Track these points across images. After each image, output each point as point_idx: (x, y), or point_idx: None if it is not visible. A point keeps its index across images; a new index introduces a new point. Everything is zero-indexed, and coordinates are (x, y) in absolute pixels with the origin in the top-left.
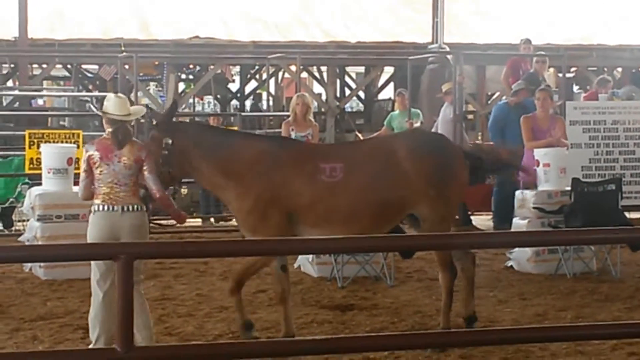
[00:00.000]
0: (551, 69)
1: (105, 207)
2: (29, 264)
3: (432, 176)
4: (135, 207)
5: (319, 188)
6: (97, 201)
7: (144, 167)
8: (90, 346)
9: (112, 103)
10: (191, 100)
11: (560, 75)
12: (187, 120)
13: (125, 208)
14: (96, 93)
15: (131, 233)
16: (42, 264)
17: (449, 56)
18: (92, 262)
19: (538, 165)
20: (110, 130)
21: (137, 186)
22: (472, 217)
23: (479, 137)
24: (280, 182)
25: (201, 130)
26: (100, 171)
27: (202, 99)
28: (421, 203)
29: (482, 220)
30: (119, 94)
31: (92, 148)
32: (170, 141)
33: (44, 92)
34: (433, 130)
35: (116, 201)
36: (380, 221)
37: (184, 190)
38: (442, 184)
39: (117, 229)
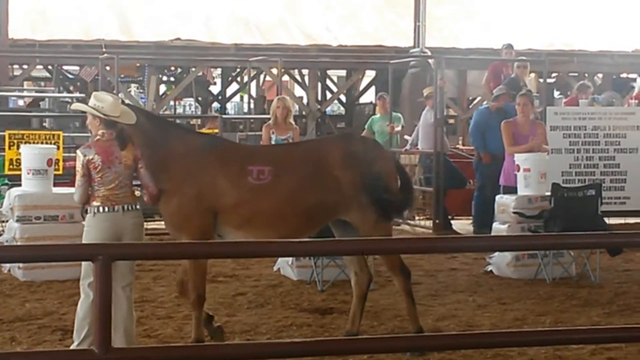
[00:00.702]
0: (532, 74)
1: (107, 209)
2: (8, 265)
3: (362, 182)
4: (135, 206)
5: (244, 190)
6: (95, 203)
7: (139, 165)
8: (73, 346)
9: (108, 104)
10: (172, 103)
11: (541, 80)
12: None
13: (126, 208)
14: (77, 94)
15: (134, 232)
16: (20, 265)
17: (430, 60)
18: (85, 264)
19: (519, 170)
20: (102, 132)
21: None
22: (452, 222)
23: (460, 142)
24: (207, 181)
25: (145, 116)
26: (102, 175)
27: (180, 101)
28: (352, 210)
29: (463, 225)
30: (112, 94)
31: (90, 152)
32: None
33: (25, 93)
34: (414, 134)
35: (116, 202)
36: (307, 225)
37: None
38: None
39: (120, 229)
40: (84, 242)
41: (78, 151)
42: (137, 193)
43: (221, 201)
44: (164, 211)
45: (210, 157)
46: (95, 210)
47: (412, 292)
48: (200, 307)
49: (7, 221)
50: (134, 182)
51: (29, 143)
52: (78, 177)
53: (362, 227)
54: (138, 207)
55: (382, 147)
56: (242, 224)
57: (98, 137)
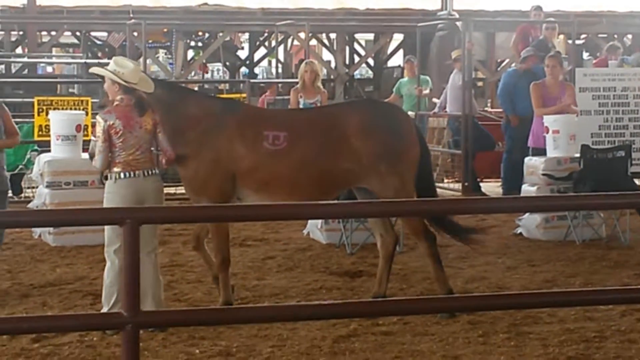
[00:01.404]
0: (561, 36)
1: (128, 174)
2: (38, 231)
3: (383, 152)
4: (155, 170)
5: (259, 154)
6: (116, 169)
7: (158, 129)
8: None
9: (130, 71)
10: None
11: (570, 42)
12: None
13: (147, 172)
14: (105, 60)
15: (156, 196)
16: (51, 231)
17: (458, 23)
18: (109, 231)
19: (547, 132)
20: (121, 97)
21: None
22: (481, 184)
23: (488, 104)
24: (223, 145)
25: (160, 87)
26: (123, 139)
27: (205, 67)
28: (371, 178)
29: (491, 187)
30: (132, 61)
31: (111, 117)
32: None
33: (53, 59)
34: (442, 97)
35: (137, 167)
36: (324, 191)
37: None
38: (393, 159)
39: (142, 194)
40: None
41: (98, 117)
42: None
43: (238, 165)
44: (183, 176)
45: (228, 121)
46: (117, 176)
47: (438, 255)
48: (226, 269)
49: (37, 187)
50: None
51: (58, 109)
52: (99, 143)
53: (382, 195)
54: (158, 171)
55: (403, 112)
56: (259, 188)
57: (117, 102)
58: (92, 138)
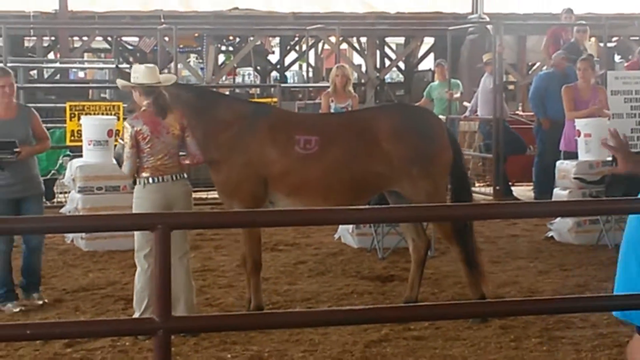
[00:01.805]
0: (592, 39)
1: (157, 179)
2: (71, 236)
3: (415, 156)
4: (183, 175)
5: (291, 158)
6: (145, 174)
7: (186, 133)
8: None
9: (142, 73)
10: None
11: (602, 44)
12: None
13: (175, 177)
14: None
15: (184, 201)
16: (83, 236)
17: (489, 26)
18: (138, 236)
19: (579, 136)
20: (148, 102)
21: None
22: (512, 188)
23: (520, 108)
24: (255, 148)
25: (187, 92)
26: (151, 145)
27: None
28: (403, 181)
29: (523, 191)
30: (147, 64)
31: (138, 123)
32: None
33: (85, 65)
34: (473, 101)
35: (165, 171)
36: (355, 195)
37: None
38: (425, 163)
39: (171, 199)
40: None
41: (125, 123)
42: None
43: (269, 169)
44: (215, 180)
45: (259, 125)
46: (145, 181)
47: (470, 259)
48: (257, 273)
49: (69, 192)
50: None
51: (90, 114)
52: (127, 149)
53: (414, 198)
54: (186, 175)
55: (434, 116)
56: (291, 192)
57: (144, 108)
58: (120, 141)
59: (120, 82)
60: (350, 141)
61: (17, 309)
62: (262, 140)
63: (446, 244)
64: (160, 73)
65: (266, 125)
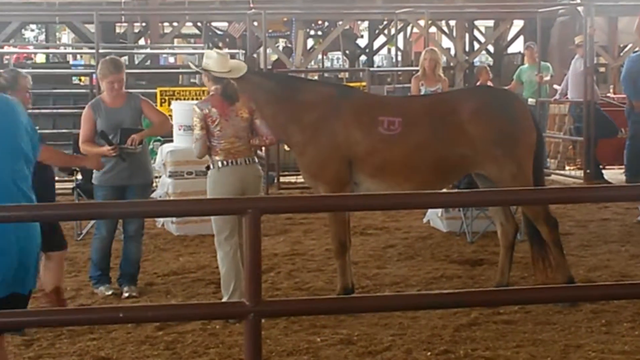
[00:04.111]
0: None
1: (231, 162)
2: (162, 220)
3: (499, 137)
4: (254, 159)
5: (375, 139)
6: (218, 158)
7: (255, 116)
8: (223, 300)
9: (214, 60)
10: (320, 56)
11: None
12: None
13: (248, 160)
14: (226, 50)
15: (256, 184)
16: (174, 220)
17: (579, 8)
18: (217, 220)
19: None
20: (216, 87)
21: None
22: (603, 171)
23: (611, 90)
24: (340, 129)
25: (269, 79)
26: (221, 128)
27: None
28: (487, 163)
29: (614, 174)
30: (219, 51)
31: (206, 106)
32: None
33: (175, 50)
34: (563, 84)
35: (238, 155)
36: (439, 177)
37: None
38: (509, 144)
39: (245, 182)
40: (209, 197)
41: (194, 106)
42: (287, 147)
43: (354, 150)
44: (300, 162)
45: (343, 106)
46: (219, 165)
47: (559, 242)
48: (343, 255)
49: (159, 177)
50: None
51: (180, 99)
52: (196, 131)
53: (499, 181)
54: (256, 160)
55: (518, 98)
56: (375, 173)
57: (212, 92)
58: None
59: (191, 64)
60: (434, 123)
61: (110, 292)
62: (347, 122)
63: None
64: (251, 57)
65: (350, 107)
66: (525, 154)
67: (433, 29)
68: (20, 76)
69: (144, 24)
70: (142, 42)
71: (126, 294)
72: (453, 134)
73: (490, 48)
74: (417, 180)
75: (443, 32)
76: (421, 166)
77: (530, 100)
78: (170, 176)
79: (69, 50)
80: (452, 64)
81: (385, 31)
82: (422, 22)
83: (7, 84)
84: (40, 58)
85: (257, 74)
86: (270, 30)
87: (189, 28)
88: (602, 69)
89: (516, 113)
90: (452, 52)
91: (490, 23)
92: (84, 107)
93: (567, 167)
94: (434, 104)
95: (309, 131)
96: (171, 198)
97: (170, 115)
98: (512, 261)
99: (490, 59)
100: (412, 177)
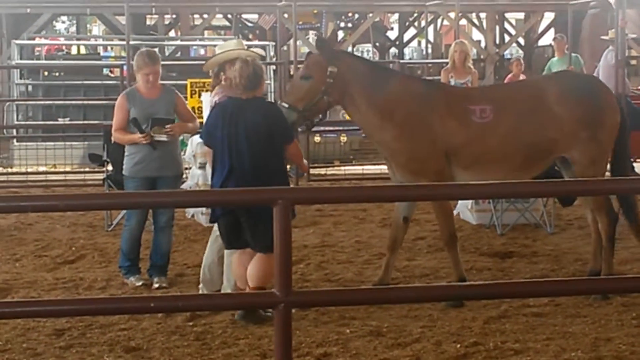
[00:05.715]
0: None
1: None
2: (192, 211)
3: (584, 119)
4: None
5: (470, 129)
6: None
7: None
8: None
9: (229, 43)
10: (349, 49)
11: None
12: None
13: None
14: (256, 42)
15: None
16: (204, 211)
17: (611, 0)
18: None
19: None
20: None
21: None
22: (634, 164)
23: None
24: (437, 123)
25: (363, 64)
26: None
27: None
28: (572, 146)
29: None
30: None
31: (218, 96)
32: (335, 69)
33: (205, 42)
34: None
35: None
36: (531, 163)
37: (343, 138)
38: (594, 126)
39: None
40: None
41: (210, 96)
42: (317, 139)
43: (451, 142)
44: (397, 160)
45: (434, 99)
46: None
47: (613, 235)
48: (454, 246)
49: (190, 168)
50: None
51: (210, 91)
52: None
53: (579, 163)
54: None
55: (601, 82)
56: (470, 164)
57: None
58: None
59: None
60: (523, 107)
61: (140, 283)
62: (441, 114)
63: (568, 219)
64: (280, 49)
65: (441, 99)
66: (608, 138)
67: (463, 21)
68: None
69: (174, 16)
70: (172, 33)
71: (156, 285)
72: (542, 117)
73: (521, 40)
74: (509, 168)
75: (473, 24)
76: (514, 153)
77: None
78: (200, 167)
79: (100, 42)
80: (482, 57)
81: (416, 23)
82: (452, 14)
83: None
84: (74, 50)
85: (349, 55)
86: (300, 22)
87: (219, 20)
88: (633, 62)
89: (601, 95)
90: (483, 44)
91: (521, 15)
92: (114, 99)
93: None
94: (519, 89)
95: (405, 127)
96: (201, 189)
97: (200, 107)
98: (612, 251)
99: (520, 51)
100: (505, 165)
